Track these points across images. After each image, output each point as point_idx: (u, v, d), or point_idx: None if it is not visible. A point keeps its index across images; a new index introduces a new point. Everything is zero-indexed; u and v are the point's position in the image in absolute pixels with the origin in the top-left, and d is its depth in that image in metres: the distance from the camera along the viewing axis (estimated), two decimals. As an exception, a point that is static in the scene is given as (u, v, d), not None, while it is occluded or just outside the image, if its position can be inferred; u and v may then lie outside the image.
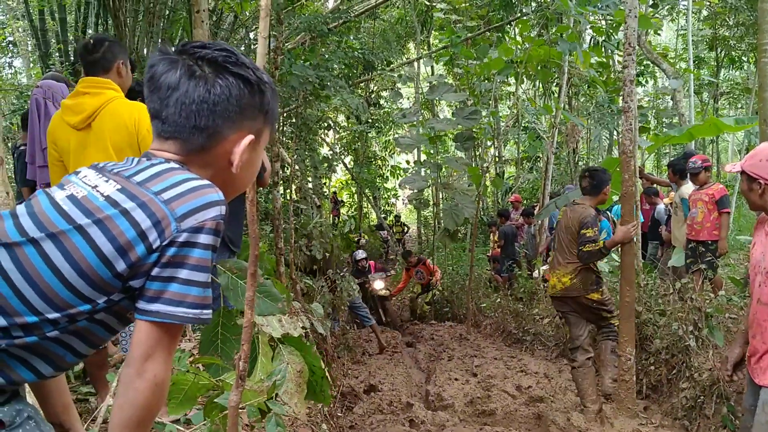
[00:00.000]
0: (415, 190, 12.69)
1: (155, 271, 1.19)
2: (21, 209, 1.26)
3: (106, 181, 1.25)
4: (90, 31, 11.80)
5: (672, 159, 8.28)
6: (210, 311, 1.24)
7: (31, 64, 13.47)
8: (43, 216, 1.21)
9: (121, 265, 1.17)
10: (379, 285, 12.01)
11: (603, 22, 11.36)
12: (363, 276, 11.96)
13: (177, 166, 1.28)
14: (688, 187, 7.29)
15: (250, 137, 1.35)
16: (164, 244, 1.18)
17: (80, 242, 1.17)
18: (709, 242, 6.77)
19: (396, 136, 20.71)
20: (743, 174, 3.02)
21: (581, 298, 5.56)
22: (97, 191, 1.23)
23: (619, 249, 5.58)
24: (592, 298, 5.55)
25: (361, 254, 12.27)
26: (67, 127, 3.01)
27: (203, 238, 1.20)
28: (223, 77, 1.29)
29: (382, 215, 21.31)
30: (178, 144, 1.31)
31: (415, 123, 14.48)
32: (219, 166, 1.35)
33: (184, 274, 1.19)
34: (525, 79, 12.87)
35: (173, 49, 1.33)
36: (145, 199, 1.19)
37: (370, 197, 21.07)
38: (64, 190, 1.28)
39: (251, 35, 10.17)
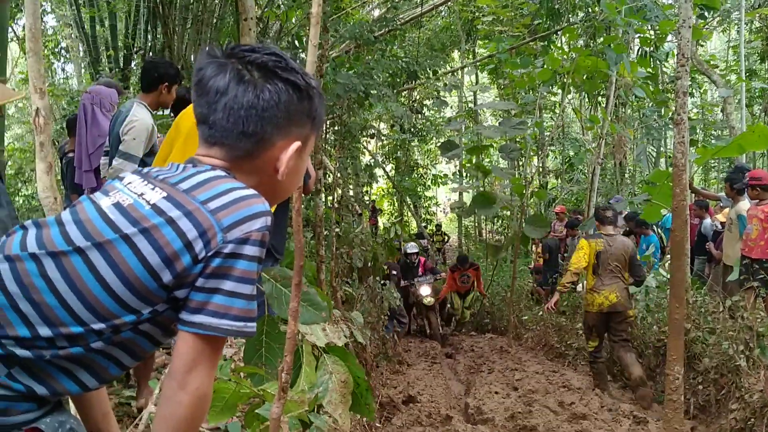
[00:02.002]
0: (460, 194, 12.68)
1: (199, 282, 1.16)
2: (66, 216, 1.25)
3: (152, 189, 1.23)
4: (140, 39, 12.05)
5: (729, 173, 8.02)
6: (254, 324, 1.22)
7: (83, 70, 13.77)
8: (90, 225, 1.20)
9: (167, 276, 1.15)
10: (425, 291, 11.05)
11: (651, 32, 11.15)
12: (411, 272, 11.33)
13: (223, 174, 1.25)
14: (745, 204, 7.06)
15: (297, 144, 1.32)
16: (210, 254, 1.15)
17: (127, 252, 1.15)
18: (764, 260, 6.56)
19: (439, 143, 20.72)
20: None
21: (625, 312, 6.67)
22: (143, 199, 1.21)
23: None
24: (630, 314, 6.77)
25: (412, 247, 11.64)
26: (192, 117, 3.07)
27: (249, 250, 1.17)
28: (273, 82, 1.26)
29: (423, 224, 21.25)
30: (225, 150, 1.28)
31: (458, 132, 14.43)
32: (265, 172, 1.32)
33: (228, 285, 1.16)
34: (571, 90, 12.69)
35: (221, 52, 1.30)
36: (191, 208, 1.17)
37: (411, 206, 21.04)
38: (109, 197, 1.26)
39: (296, 42, 10.26)
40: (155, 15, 11.00)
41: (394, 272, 10.98)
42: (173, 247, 1.14)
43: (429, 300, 11.00)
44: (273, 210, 1.28)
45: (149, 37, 12.06)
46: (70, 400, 1.48)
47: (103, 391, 1.48)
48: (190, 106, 3.27)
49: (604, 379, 6.96)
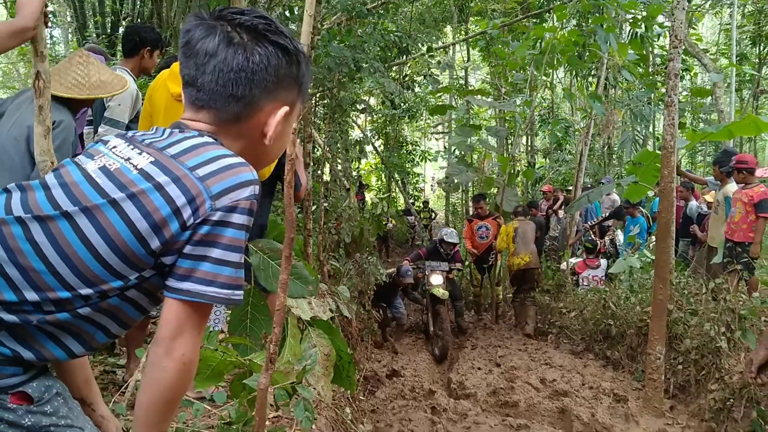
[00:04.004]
0: (454, 181, 12.28)
1: (187, 249, 1.16)
2: (51, 180, 1.23)
3: (139, 153, 1.22)
4: (127, 5, 11.86)
5: (718, 156, 8.07)
6: (241, 292, 1.22)
7: (70, 36, 13.56)
8: (76, 189, 1.19)
9: (155, 242, 1.15)
10: (437, 280, 8.69)
11: (644, 13, 11.08)
12: (445, 262, 9.14)
13: (211, 140, 1.24)
14: (732, 186, 7.11)
15: (285, 108, 1.32)
16: (198, 221, 1.15)
17: (114, 218, 1.14)
18: (746, 243, 6.63)
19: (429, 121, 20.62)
20: None
21: (536, 269, 9.52)
22: (130, 163, 1.20)
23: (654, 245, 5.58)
24: (537, 269, 9.62)
25: (451, 235, 9.34)
26: (167, 91, 3.03)
27: (237, 218, 1.17)
28: (262, 45, 1.25)
29: (410, 200, 21.24)
30: (213, 113, 1.27)
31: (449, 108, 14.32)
32: (251, 137, 1.32)
33: (216, 253, 1.16)
34: (561, 69, 12.63)
35: (209, 14, 1.28)
36: (179, 173, 1.16)
37: (399, 182, 21.01)
38: (95, 161, 1.24)
39: (287, 13, 10.11)
40: (144, -19, 10.83)
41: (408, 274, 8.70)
42: (162, 213, 1.14)
43: (442, 292, 8.57)
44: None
45: (137, 3, 11.86)
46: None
47: (85, 357, 1.47)
48: (159, 77, 3.24)
49: (522, 315, 9.40)
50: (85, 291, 1.16)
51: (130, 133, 1.33)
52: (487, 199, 18.25)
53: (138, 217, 1.14)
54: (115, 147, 1.27)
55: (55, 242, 1.15)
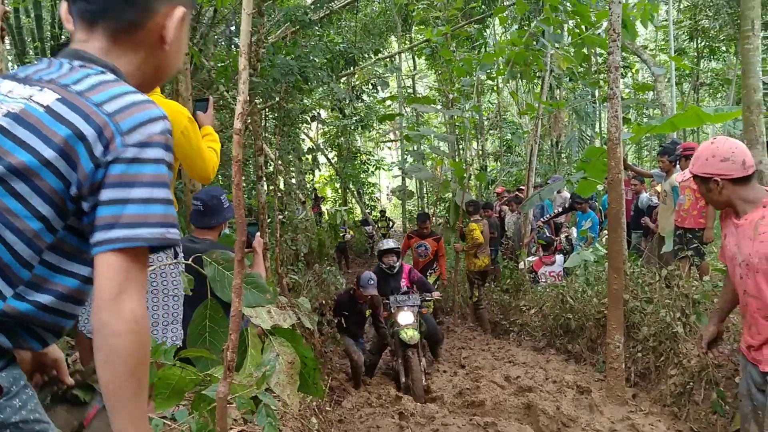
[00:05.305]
0: (407, 189, 12.32)
1: (106, 195, 1.10)
2: None
3: (40, 90, 1.16)
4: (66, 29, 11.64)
5: (665, 146, 8.22)
6: (177, 231, 1.16)
7: (10, 64, 13.25)
8: None
9: (73, 177, 1.11)
10: (405, 319, 6.93)
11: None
12: (388, 284, 7.60)
13: (112, 78, 1.19)
14: (678, 175, 7.25)
15: (182, 9, 1.30)
16: (110, 159, 1.10)
17: (33, 163, 1.10)
18: (696, 229, 6.75)
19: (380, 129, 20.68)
20: (696, 179, 2.99)
21: (491, 270, 10.44)
22: (34, 101, 1.15)
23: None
24: (489, 270, 10.27)
25: (388, 243, 8.14)
26: None
27: (152, 153, 1.13)
28: None
29: (367, 210, 21.25)
30: (107, 27, 1.24)
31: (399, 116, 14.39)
32: (150, 45, 1.28)
33: (139, 192, 1.11)
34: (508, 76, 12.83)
35: None
36: (87, 110, 1.12)
37: (355, 192, 21.01)
38: None
39: (231, 29, 10.08)
40: (83, 3, 10.63)
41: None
42: (76, 150, 1.10)
43: (411, 335, 6.76)
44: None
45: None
46: None
47: None
48: None
49: (485, 323, 9.69)
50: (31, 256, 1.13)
51: (16, 72, 1.26)
52: (445, 204, 18.41)
53: (54, 157, 1.10)
54: (10, 91, 1.20)
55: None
